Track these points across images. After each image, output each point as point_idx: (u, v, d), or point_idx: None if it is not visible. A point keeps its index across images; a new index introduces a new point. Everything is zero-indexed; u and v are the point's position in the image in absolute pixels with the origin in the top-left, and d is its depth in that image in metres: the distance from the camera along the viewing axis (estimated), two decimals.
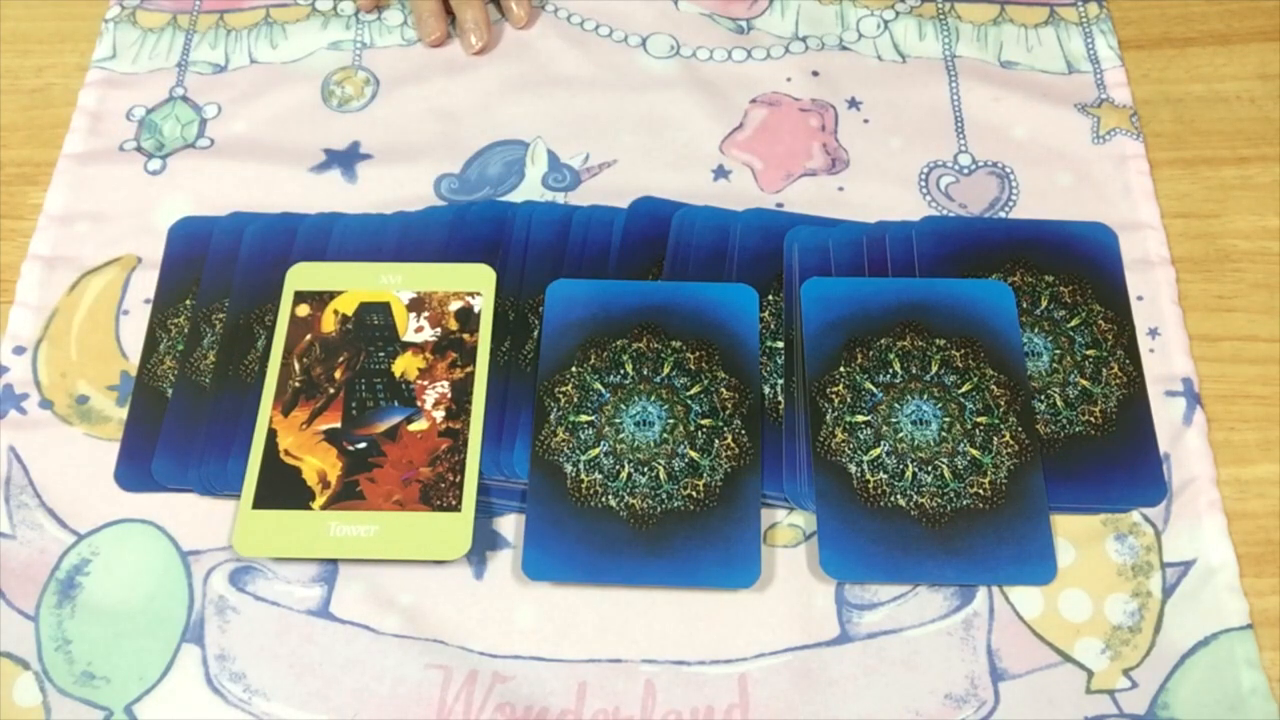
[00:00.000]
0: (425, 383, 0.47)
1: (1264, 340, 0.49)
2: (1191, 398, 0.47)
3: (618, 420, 0.46)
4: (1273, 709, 0.41)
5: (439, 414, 0.46)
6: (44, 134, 0.57)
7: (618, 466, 0.45)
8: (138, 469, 0.46)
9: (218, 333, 0.49)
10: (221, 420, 0.47)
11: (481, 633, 0.43)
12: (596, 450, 0.45)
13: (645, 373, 0.47)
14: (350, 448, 0.46)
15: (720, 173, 0.54)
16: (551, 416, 0.46)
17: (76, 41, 0.60)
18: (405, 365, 0.48)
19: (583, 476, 0.44)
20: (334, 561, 0.45)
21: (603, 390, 0.46)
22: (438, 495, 0.44)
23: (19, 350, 0.50)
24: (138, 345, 0.50)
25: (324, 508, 0.44)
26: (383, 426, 0.46)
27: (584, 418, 0.46)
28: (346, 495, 0.45)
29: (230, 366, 0.48)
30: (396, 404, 0.47)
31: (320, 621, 0.44)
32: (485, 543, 0.45)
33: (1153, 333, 0.49)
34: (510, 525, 0.46)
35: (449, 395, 0.47)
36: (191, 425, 0.47)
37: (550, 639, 0.43)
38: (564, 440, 0.45)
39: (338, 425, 0.46)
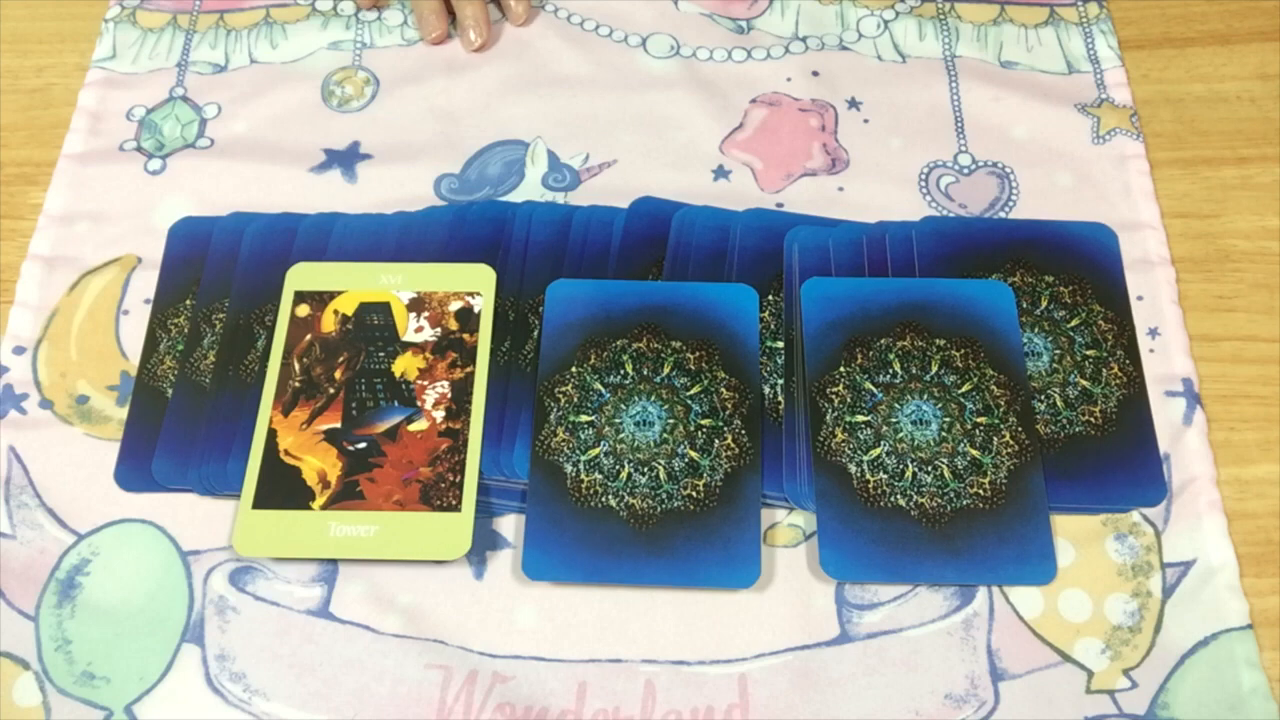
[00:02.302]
0: (425, 383, 0.47)
1: (1264, 340, 0.49)
2: (1191, 398, 0.47)
3: (618, 420, 0.46)
4: (1273, 709, 0.41)
5: (439, 414, 0.46)
6: (44, 134, 0.57)
7: (618, 466, 0.45)
8: (138, 469, 0.46)
9: (218, 333, 0.49)
10: (221, 420, 0.47)
11: (481, 633, 0.43)
12: (596, 450, 0.45)
13: (645, 373, 0.47)
14: (350, 448, 0.46)
15: (720, 173, 0.54)
16: (551, 416, 0.46)
17: (76, 41, 0.60)
18: (405, 365, 0.48)
19: (583, 476, 0.44)
20: (334, 561, 0.45)
21: (603, 390, 0.46)
22: (438, 495, 0.44)
23: (19, 350, 0.50)
24: (138, 345, 0.50)
25: (324, 508, 0.44)
26: (383, 426, 0.46)
27: (584, 418, 0.46)
28: (346, 495, 0.45)
29: (230, 366, 0.48)
30: (396, 404, 0.47)
31: (320, 621, 0.44)
32: (485, 543, 0.45)
33: (1153, 333, 0.49)
34: (510, 525, 0.46)
35: (449, 395, 0.47)
36: (191, 425, 0.47)
37: (550, 639, 0.43)
38: (564, 440, 0.45)
39: (338, 425, 0.46)
